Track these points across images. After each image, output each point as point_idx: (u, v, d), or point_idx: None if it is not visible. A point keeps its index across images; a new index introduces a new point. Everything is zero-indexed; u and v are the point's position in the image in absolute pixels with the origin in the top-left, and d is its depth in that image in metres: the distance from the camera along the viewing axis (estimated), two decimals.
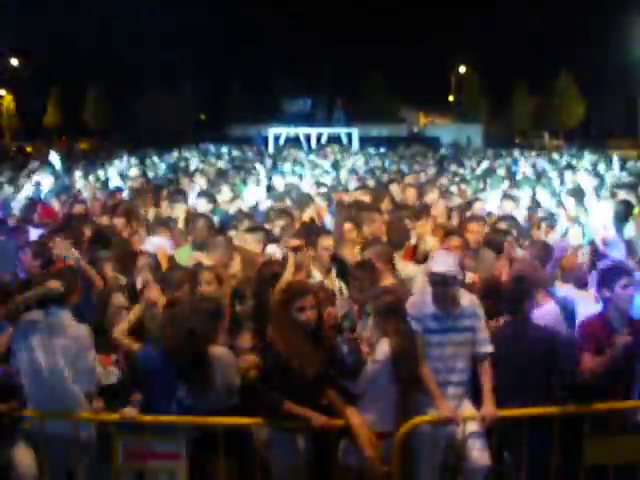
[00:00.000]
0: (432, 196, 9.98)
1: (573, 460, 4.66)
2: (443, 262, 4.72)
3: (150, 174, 16.54)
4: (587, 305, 5.51)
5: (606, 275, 4.92)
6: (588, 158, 21.02)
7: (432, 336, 4.63)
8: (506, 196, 10.12)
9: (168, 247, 6.97)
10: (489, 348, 4.67)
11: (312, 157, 22.47)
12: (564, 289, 5.86)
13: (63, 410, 4.55)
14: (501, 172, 15.63)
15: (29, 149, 41.32)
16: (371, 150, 27.14)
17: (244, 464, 4.55)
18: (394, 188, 11.14)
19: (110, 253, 6.54)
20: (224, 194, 10.65)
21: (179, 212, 8.73)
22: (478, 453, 4.49)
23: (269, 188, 12.55)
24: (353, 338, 4.61)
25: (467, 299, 4.75)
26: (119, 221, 8.32)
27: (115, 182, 14.11)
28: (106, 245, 6.86)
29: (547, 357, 4.71)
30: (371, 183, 12.68)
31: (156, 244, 6.81)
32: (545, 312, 5.17)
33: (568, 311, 5.53)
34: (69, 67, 53.76)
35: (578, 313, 5.50)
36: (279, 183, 13.09)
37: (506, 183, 12.58)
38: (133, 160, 20.81)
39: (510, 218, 8.00)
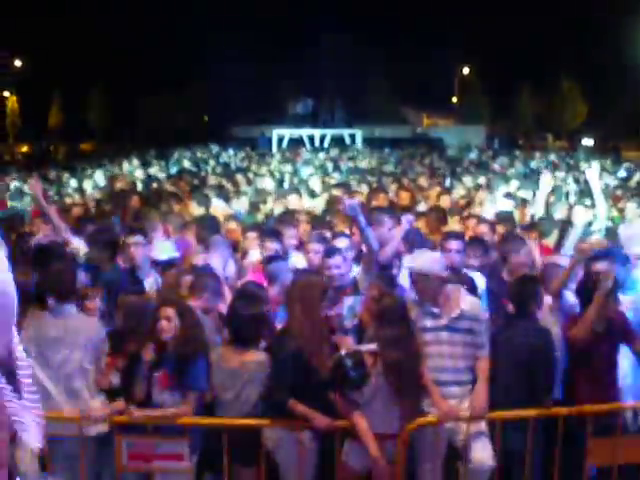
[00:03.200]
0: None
1: (575, 461, 4.67)
2: (419, 258, 4.78)
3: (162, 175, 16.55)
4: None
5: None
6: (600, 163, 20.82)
7: (426, 334, 4.64)
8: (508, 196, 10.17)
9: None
10: (485, 352, 4.68)
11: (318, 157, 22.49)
12: None
13: (73, 408, 4.51)
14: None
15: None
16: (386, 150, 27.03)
17: (251, 465, 4.55)
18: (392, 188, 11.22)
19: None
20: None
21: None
22: (481, 454, 4.49)
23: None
24: (355, 351, 4.33)
25: (468, 302, 4.74)
26: None
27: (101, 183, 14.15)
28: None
29: (549, 358, 4.72)
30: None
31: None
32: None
33: None
34: (72, 68, 53.75)
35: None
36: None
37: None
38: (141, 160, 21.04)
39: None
